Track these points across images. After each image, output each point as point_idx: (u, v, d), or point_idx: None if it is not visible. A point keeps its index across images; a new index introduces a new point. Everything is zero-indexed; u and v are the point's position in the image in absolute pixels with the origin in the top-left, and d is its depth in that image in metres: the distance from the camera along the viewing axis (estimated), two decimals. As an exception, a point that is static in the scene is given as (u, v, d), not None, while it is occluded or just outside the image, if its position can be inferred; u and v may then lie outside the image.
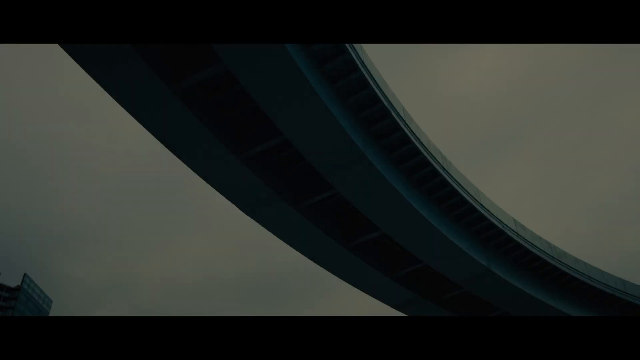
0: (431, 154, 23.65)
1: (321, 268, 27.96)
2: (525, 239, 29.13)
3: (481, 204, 26.64)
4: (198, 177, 22.31)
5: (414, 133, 22.69)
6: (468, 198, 25.80)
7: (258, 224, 24.87)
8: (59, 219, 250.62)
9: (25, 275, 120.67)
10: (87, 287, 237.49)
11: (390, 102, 21.32)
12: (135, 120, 19.91)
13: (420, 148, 22.98)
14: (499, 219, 27.64)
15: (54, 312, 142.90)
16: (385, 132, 22.23)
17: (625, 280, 34.22)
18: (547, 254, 30.21)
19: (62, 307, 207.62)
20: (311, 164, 21.85)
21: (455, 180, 25.04)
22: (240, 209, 24.30)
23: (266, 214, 24.18)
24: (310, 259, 27.20)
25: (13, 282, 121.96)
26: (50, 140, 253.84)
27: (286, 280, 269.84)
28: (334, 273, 28.83)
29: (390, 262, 28.96)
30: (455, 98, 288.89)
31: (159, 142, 20.79)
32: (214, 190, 23.01)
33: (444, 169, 24.41)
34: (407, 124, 22.34)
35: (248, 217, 24.41)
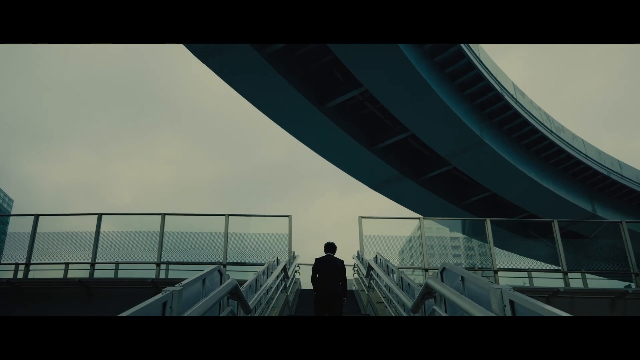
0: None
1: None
2: (525, 108, 25.54)
3: (480, 60, 22.63)
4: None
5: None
6: (467, 51, 21.71)
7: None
8: (15, 113, 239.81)
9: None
10: (53, 187, 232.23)
11: None
12: None
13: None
14: (498, 81, 23.80)
15: (15, 212, 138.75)
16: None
17: (622, 161, 31.45)
18: (546, 127, 26.81)
19: (26, 206, 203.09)
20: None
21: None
22: (195, 55, 19.88)
23: (224, 59, 19.78)
24: (275, 121, 23.17)
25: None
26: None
27: (261, 181, 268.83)
28: (304, 142, 25.03)
29: (371, 131, 25.20)
30: None
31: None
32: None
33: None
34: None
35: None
